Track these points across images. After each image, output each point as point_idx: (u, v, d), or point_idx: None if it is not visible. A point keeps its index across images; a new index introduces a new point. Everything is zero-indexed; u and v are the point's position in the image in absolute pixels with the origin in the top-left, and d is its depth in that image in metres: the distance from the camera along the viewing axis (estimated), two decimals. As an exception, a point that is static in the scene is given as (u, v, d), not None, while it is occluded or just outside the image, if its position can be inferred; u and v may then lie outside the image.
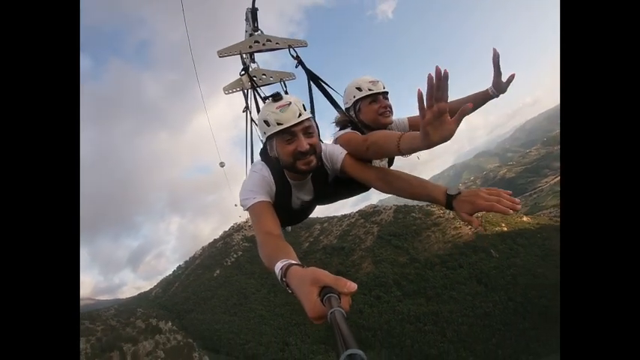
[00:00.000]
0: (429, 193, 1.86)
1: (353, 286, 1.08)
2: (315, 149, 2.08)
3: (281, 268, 1.36)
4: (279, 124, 2.00)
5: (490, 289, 76.35)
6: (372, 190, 2.51)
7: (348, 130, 2.65)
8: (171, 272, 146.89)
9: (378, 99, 2.77)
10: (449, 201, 1.73)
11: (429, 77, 1.39)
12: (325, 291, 1.07)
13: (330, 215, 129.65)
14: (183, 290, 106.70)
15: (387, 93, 2.83)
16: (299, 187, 2.36)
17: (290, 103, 2.03)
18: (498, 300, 73.55)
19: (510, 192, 1.58)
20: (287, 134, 2.01)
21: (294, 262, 1.39)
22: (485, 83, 2.61)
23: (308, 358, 68.22)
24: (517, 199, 1.56)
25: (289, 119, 2.00)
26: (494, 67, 2.42)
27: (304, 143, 2.01)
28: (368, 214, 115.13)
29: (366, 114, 2.79)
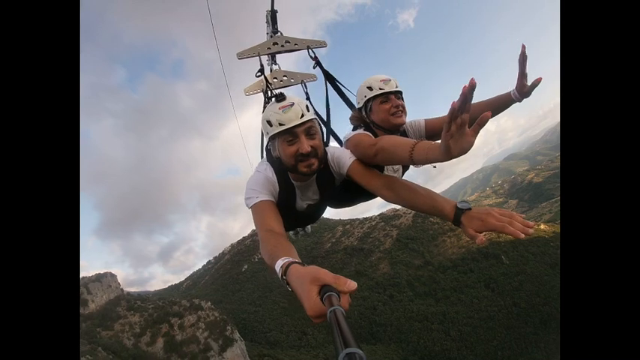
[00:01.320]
0: (436, 205, 1.78)
1: (353, 285, 1.07)
2: (317, 151, 2.02)
3: (281, 266, 1.34)
4: (281, 124, 1.96)
5: (496, 294, 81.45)
6: None
7: (360, 130, 2.59)
8: (201, 267, 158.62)
9: (389, 98, 2.61)
10: (457, 216, 1.66)
11: (464, 89, 1.31)
12: (325, 289, 1.06)
13: (353, 217, 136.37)
14: (213, 283, 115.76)
15: (400, 92, 2.68)
16: (303, 188, 2.31)
17: (293, 103, 1.99)
18: (503, 304, 78.58)
19: (523, 216, 1.53)
20: (289, 135, 1.97)
21: (294, 260, 1.36)
22: (508, 89, 2.34)
23: (322, 346, 74.89)
24: (530, 223, 1.50)
25: (291, 120, 1.95)
26: (519, 66, 2.20)
27: (306, 145, 1.96)
28: (389, 218, 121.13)
29: (377, 114, 2.64)
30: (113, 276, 66.90)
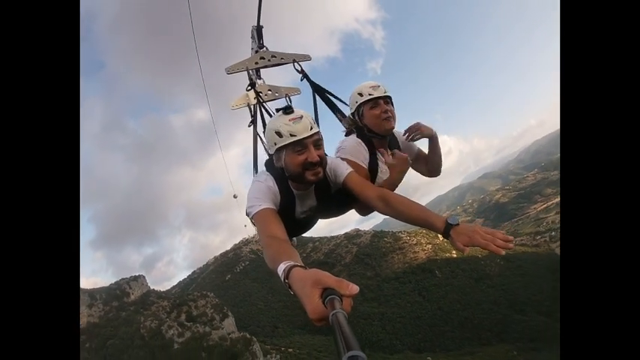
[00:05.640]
0: (428, 219, 1.89)
1: (355, 289, 1.07)
2: (323, 161, 2.13)
3: (284, 270, 1.34)
4: (292, 135, 2.04)
5: (426, 300, 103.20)
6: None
7: (353, 139, 2.76)
8: (186, 276, 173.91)
9: (379, 103, 2.71)
10: (447, 229, 1.76)
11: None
12: (327, 293, 1.05)
13: (322, 235, 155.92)
14: (200, 290, 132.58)
15: (388, 97, 2.77)
16: (302, 197, 2.38)
17: (302, 116, 2.08)
18: (430, 308, 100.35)
19: (504, 232, 1.64)
20: (298, 146, 2.05)
21: (296, 263, 1.37)
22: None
23: (290, 336, 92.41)
24: (510, 237, 1.61)
25: (302, 131, 2.03)
26: (410, 135, 2.72)
27: (314, 154, 2.06)
28: (351, 237, 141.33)
29: (368, 119, 2.75)
30: (144, 277, 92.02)
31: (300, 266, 1.34)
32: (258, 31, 4.21)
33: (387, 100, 2.78)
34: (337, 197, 2.55)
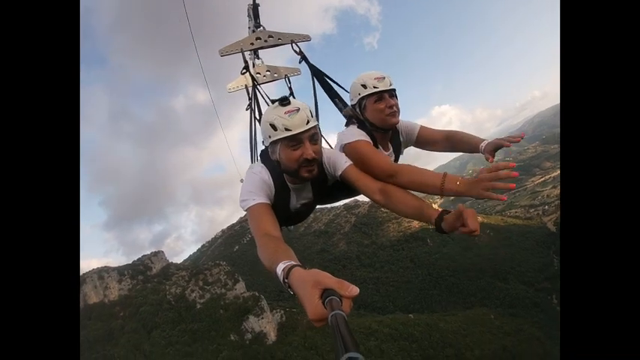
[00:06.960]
0: (423, 213, 1.90)
1: (355, 290, 1.05)
2: (319, 157, 2.04)
3: (283, 270, 1.32)
4: (287, 129, 1.92)
5: (417, 266, 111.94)
6: None
7: (354, 130, 2.55)
8: (196, 249, 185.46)
9: (383, 97, 2.50)
10: (438, 224, 1.79)
11: (508, 186, 1.68)
12: (327, 293, 1.04)
13: (322, 207, 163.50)
14: (211, 261, 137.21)
15: (394, 90, 2.56)
16: (298, 190, 2.29)
17: (299, 109, 1.95)
18: (420, 273, 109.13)
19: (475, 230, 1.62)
20: (293, 141, 1.94)
21: (295, 263, 1.34)
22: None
23: (294, 299, 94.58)
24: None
25: (298, 126, 1.92)
26: (500, 143, 2.28)
27: (310, 151, 1.94)
28: (350, 207, 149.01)
29: (371, 113, 2.55)
30: (163, 252, 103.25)
31: (299, 266, 1.32)
32: (255, 9, 4.05)
33: (392, 93, 2.58)
34: (336, 189, 2.54)
